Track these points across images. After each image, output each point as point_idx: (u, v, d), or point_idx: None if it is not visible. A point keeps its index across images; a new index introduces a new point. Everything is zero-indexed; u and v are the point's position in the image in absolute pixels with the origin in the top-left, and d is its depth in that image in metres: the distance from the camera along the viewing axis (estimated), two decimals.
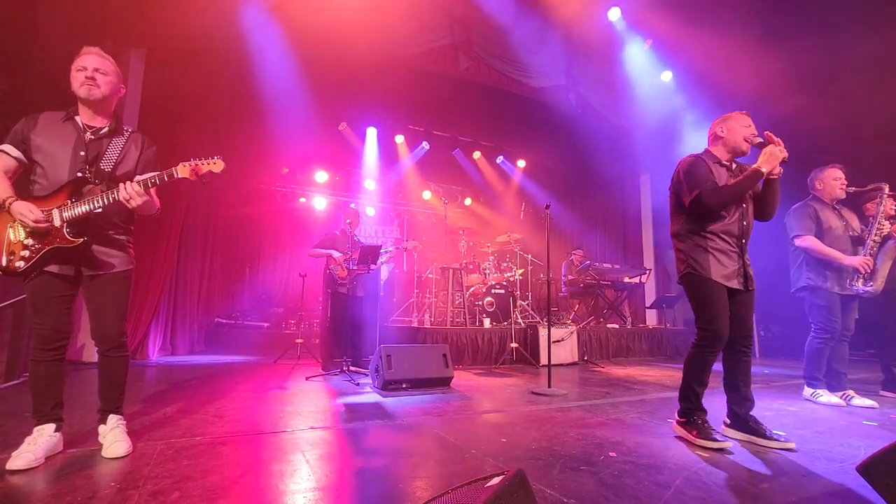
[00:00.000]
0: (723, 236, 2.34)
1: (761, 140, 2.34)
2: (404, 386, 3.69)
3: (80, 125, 2.03)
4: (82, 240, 1.92)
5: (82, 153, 1.98)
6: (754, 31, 5.98)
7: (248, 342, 6.91)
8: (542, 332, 5.37)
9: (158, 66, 5.52)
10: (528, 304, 6.87)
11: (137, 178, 1.99)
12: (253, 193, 8.16)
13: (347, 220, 4.89)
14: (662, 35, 6.85)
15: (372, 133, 8.53)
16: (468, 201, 10.93)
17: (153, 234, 5.48)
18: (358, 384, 3.91)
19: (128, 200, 1.91)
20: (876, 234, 3.28)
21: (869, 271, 3.22)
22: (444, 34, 6.10)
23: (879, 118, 5.73)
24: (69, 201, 1.91)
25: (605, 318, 7.41)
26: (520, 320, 6.08)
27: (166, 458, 1.92)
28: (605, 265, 7.33)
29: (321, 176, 8.98)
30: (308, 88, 6.30)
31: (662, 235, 9.07)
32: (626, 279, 7.50)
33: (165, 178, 1.96)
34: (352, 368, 4.22)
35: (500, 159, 9.70)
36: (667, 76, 7.36)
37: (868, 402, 3.22)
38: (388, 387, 3.63)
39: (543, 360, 5.24)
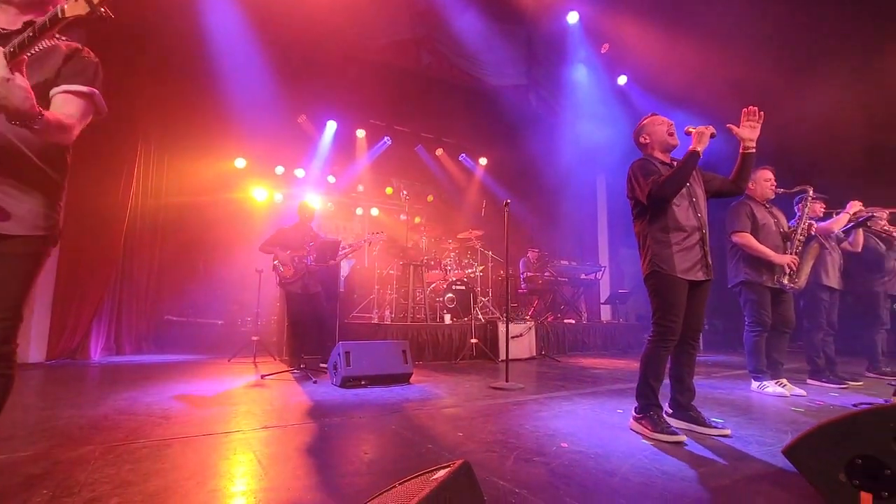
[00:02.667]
0: (684, 230, 2.44)
1: (691, 129, 2.45)
2: (363, 383, 3.67)
3: None
4: None
5: None
6: (710, 36, 6.27)
7: (201, 340, 6.63)
8: (502, 328, 5.46)
9: (102, 43, 5.16)
10: (488, 301, 6.96)
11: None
12: (207, 183, 7.81)
13: (299, 212, 4.77)
14: (619, 40, 7.09)
15: (332, 126, 8.37)
16: (430, 198, 10.93)
17: (95, 222, 5.16)
18: (316, 381, 3.84)
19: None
20: (801, 234, 3.55)
21: (795, 269, 3.49)
22: (406, 28, 6.07)
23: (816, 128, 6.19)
24: None
25: (562, 314, 7.63)
26: (480, 316, 6.16)
27: (106, 462, 1.83)
28: (562, 262, 7.54)
29: (279, 168, 8.72)
30: (267, 77, 6.11)
31: (616, 234, 9.44)
32: (583, 276, 7.75)
33: (48, 26, 1.18)
34: (308, 369, 4.14)
35: (461, 156, 9.76)
36: (622, 80, 7.63)
37: (798, 390, 3.49)
38: (346, 384, 3.59)
39: (503, 355, 5.32)
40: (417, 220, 7.08)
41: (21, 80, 1.17)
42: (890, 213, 4.30)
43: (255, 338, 5.28)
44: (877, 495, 1.36)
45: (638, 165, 2.52)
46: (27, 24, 1.33)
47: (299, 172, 8.87)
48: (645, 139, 2.61)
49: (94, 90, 1.42)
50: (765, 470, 1.85)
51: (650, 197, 2.39)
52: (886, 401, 1.47)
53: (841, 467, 1.44)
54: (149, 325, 6.37)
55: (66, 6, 1.18)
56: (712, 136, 2.40)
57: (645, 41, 6.64)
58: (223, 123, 6.68)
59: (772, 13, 5.87)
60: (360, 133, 8.63)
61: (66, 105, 1.35)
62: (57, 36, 1.43)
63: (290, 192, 8.82)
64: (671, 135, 2.55)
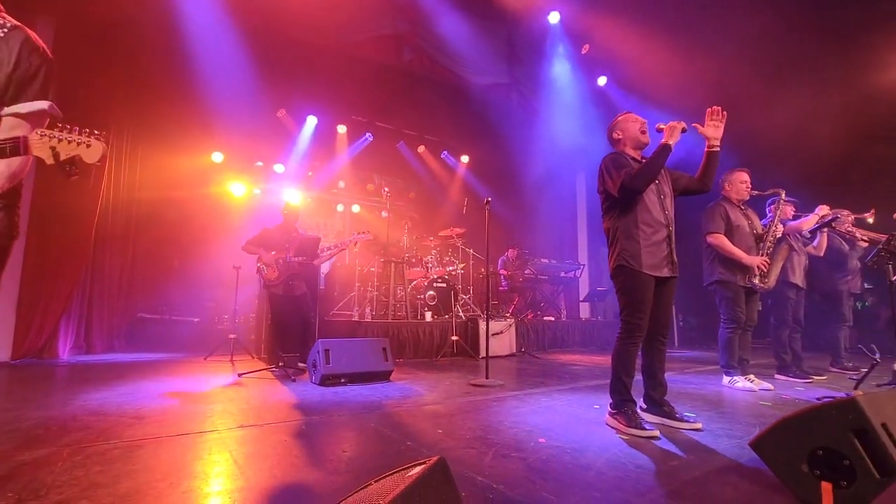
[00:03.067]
0: (652, 225, 2.49)
1: (662, 126, 2.52)
2: (343, 381, 3.65)
3: None
4: None
5: None
6: (690, 40, 6.41)
7: (176, 338, 6.49)
8: (482, 325, 5.50)
9: (73, 33, 4.98)
10: (469, 298, 6.99)
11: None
12: (182, 177, 7.62)
13: (283, 213, 4.70)
14: (599, 41, 7.19)
15: (312, 121, 8.26)
16: (412, 195, 10.89)
17: (63, 216, 4.97)
18: (294, 380, 3.80)
19: None
20: (772, 236, 3.68)
21: (766, 270, 3.61)
22: (388, 23, 6.04)
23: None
24: None
25: (542, 312, 7.72)
26: (461, 314, 6.18)
27: (74, 464, 1.77)
28: (543, 260, 7.62)
29: (258, 163, 8.57)
30: (246, 70, 5.99)
31: (596, 233, 9.59)
32: (563, 274, 7.85)
33: None
34: (287, 367, 4.09)
35: (443, 154, 9.75)
36: (602, 80, 7.74)
37: (766, 384, 3.61)
38: (326, 382, 3.57)
39: (483, 352, 5.36)
40: (407, 226, 7.05)
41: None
42: (855, 217, 4.48)
43: (232, 336, 5.19)
44: (836, 485, 1.43)
45: (610, 159, 2.56)
46: None
47: (279, 168, 8.72)
48: (618, 135, 2.67)
49: (50, 104, 1.34)
50: (733, 462, 1.91)
51: (622, 189, 2.43)
52: (848, 394, 1.54)
53: (804, 458, 1.50)
54: (121, 323, 6.19)
55: (32, 143, 1.17)
56: (683, 130, 2.47)
57: (625, 43, 6.75)
58: (200, 116, 6.54)
59: (753, 21, 6.03)
60: (342, 129, 8.54)
61: (18, 129, 1.27)
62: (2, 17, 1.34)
63: (269, 187, 8.68)
64: (643, 133, 2.61)
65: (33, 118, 1.31)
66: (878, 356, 3.43)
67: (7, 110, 1.28)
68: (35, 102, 1.32)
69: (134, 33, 5.31)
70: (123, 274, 6.25)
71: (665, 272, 2.49)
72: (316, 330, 4.96)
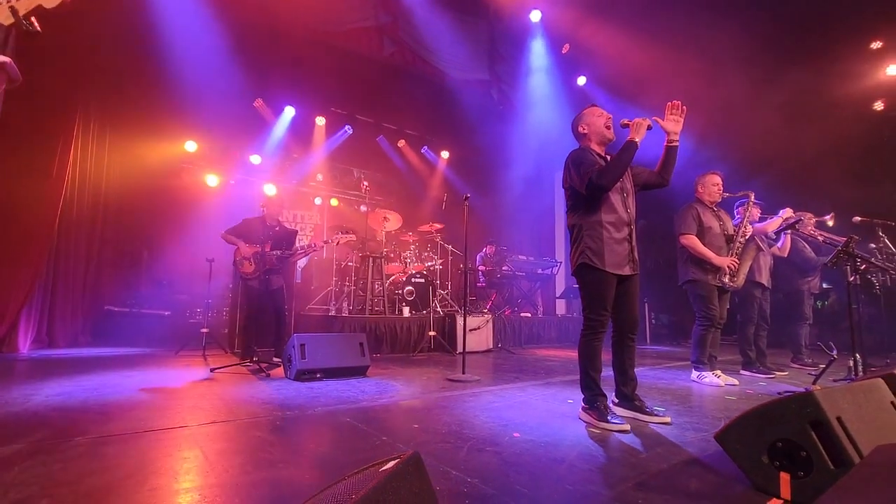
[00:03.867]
0: (615, 224, 2.53)
1: (627, 122, 2.56)
2: (318, 376, 3.61)
3: None
4: None
5: None
6: (670, 41, 6.52)
7: (146, 332, 6.27)
8: (460, 321, 5.52)
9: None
10: (447, 294, 7.01)
11: None
12: (153, 167, 7.36)
13: (262, 206, 4.61)
14: (580, 41, 7.27)
15: (290, 112, 8.09)
16: (391, 189, 10.82)
17: (23, 203, 4.75)
18: (269, 375, 3.75)
19: None
20: (741, 237, 3.81)
21: (735, 270, 3.74)
22: (369, 15, 5.97)
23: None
24: None
25: (518, 308, 7.80)
26: (439, 309, 6.19)
27: (35, 462, 1.71)
28: (520, 257, 7.69)
29: (233, 154, 8.35)
30: (223, 58, 5.83)
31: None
32: (539, 271, 7.95)
33: None
34: (260, 362, 4.02)
35: (423, 149, 9.71)
36: (582, 80, 7.84)
37: (732, 380, 3.74)
38: (301, 377, 3.53)
39: (460, 347, 5.39)
40: (377, 211, 6.98)
41: None
42: (817, 220, 4.68)
43: (204, 330, 5.07)
44: (794, 475, 1.50)
45: (576, 156, 2.58)
46: None
47: (255, 159, 8.52)
48: (583, 129, 2.67)
49: (6, 59, 1.35)
50: (699, 454, 1.98)
51: (589, 186, 2.44)
52: (807, 389, 1.62)
53: (764, 450, 1.57)
54: (85, 317, 5.96)
55: None
56: (649, 127, 2.50)
57: (605, 43, 6.84)
58: (173, 104, 6.32)
59: (734, 22, 6.17)
60: (320, 121, 8.40)
61: None
62: None
63: (244, 178, 8.48)
64: (608, 128, 2.62)
65: None
66: (835, 353, 3.62)
67: None
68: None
69: (103, 13, 5.08)
70: (90, 264, 6.02)
71: (626, 270, 2.54)
72: (291, 324, 4.90)
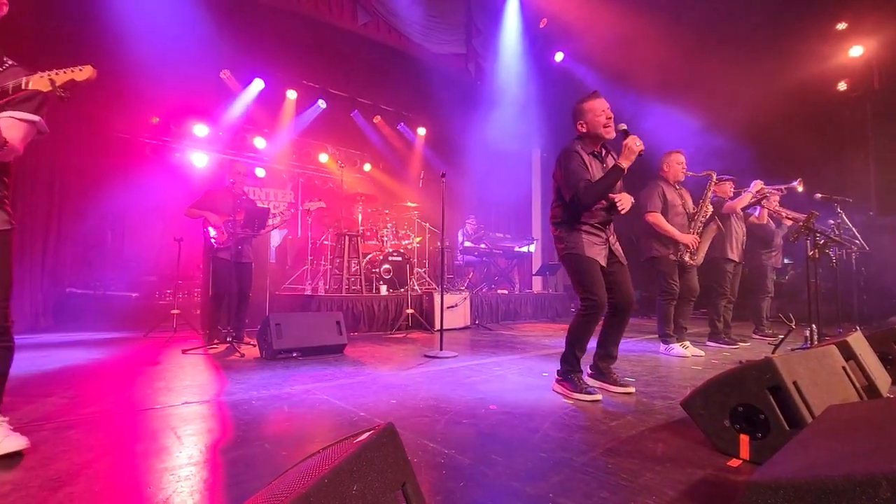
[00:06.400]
0: (595, 224, 2.58)
1: (625, 128, 2.53)
2: (295, 355, 3.59)
3: None
4: None
5: None
6: (649, 17, 6.50)
7: (112, 315, 6.07)
8: (437, 299, 5.55)
9: None
10: (424, 272, 7.01)
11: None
12: (115, 143, 6.99)
13: (230, 179, 4.46)
14: (557, 16, 7.18)
15: (259, 84, 7.77)
16: (367, 167, 10.64)
17: None
18: (243, 356, 3.70)
19: None
20: (703, 216, 3.92)
21: (695, 248, 3.86)
22: None
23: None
24: None
25: (496, 285, 7.88)
26: (416, 287, 6.20)
27: None
28: (497, 234, 7.74)
29: (200, 129, 7.99)
30: (186, 25, 5.51)
31: (550, 207, 9.82)
32: (516, 248, 8.02)
33: (10, 92, 1.48)
34: (234, 343, 3.95)
35: (400, 126, 9.53)
36: (559, 56, 7.78)
37: (698, 351, 3.90)
38: (277, 356, 3.50)
39: (438, 324, 5.43)
40: (353, 189, 6.87)
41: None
42: (781, 194, 4.83)
43: (175, 311, 4.94)
44: (752, 437, 1.59)
45: (567, 157, 2.57)
46: None
47: (223, 135, 8.20)
48: (581, 127, 2.62)
49: (40, 119, 1.62)
50: (666, 421, 2.07)
51: (573, 201, 2.50)
52: (766, 357, 1.71)
53: (726, 414, 1.65)
54: (46, 299, 5.71)
55: (31, 80, 1.47)
56: (640, 154, 2.46)
57: (582, 18, 6.78)
58: (133, 76, 5.96)
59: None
60: (292, 94, 8.10)
61: (12, 129, 1.53)
62: (6, 60, 1.66)
63: (213, 156, 8.17)
64: (606, 128, 2.56)
65: (27, 124, 1.57)
66: (793, 323, 3.80)
67: (4, 114, 1.52)
68: (28, 113, 1.57)
69: None
70: (48, 247, 5.75)
71: (603, 262, 2.57)
72: (266, 303, 4.81)
